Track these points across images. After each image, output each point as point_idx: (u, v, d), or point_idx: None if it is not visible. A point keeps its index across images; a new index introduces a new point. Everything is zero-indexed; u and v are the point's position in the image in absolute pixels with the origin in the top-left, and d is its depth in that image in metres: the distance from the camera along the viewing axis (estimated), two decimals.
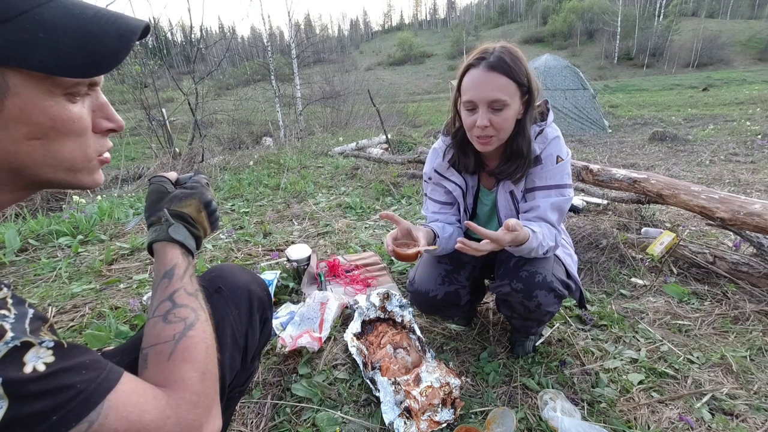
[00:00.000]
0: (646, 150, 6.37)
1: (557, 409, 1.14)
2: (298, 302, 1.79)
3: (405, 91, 28.87)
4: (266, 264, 2.17)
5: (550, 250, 1.18)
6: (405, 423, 1.11)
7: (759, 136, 6.50)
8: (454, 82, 1.17)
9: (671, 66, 42.40)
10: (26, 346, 0.40)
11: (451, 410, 1.17)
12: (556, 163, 1.18)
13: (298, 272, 2.00)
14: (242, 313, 0.80)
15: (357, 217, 3.09)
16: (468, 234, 1.39)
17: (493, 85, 1.05)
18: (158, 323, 0.57)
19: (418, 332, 1.47)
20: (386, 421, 1.13)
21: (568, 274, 1.27)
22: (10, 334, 0.39)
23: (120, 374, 0.48)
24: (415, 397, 1.16)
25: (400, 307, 1.55)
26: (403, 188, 3.76)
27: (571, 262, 1.33)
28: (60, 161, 0.49)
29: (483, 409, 1.22)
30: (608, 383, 1.32)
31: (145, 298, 1.75)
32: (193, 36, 8.40)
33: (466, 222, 1.04)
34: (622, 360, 1.43)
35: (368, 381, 1.27)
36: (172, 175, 0.77)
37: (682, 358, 1.43)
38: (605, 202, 2.85)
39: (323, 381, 1.33)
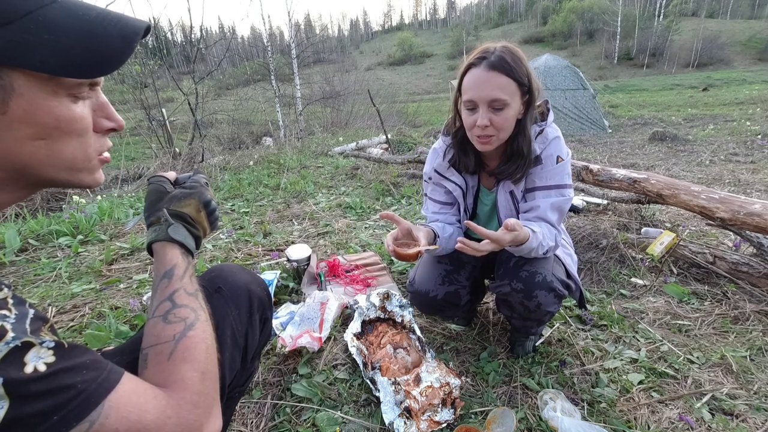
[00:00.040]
0: (646, 150, 6.37)
1: (557, 409, 1.14)
2: (298, 302, 1.79)
3: (405, 91, 28.88)
4: (266, 264, 2.17)
5: (550, 250, 1.18)
6: (405, 423, 1.11)
7: (759, 136, 6.50)
8: (455, 82, 1.17)
9: (671, 66, 42.40)
10: (27, 346, 0.40)
11: (451, 410, 1.17)
12: (557, 163, 1.18)
13: (298, 272, 2.00)
14: (242, 313, 0.80)
15: (357, 217, 3.09)
16: (468, 234, 1.39)
17: (493, 85, 1.05)
18: (158, 323, 0.57)
19: (418, 332, 1.47)
20: (386, 421, 1.13)
21: (568, 274, 1.27)
22: (11, 335, 0.39)
23: (120, 374, 0.48)
24: (415, 397, 1.16)
25: (400, 307, 1.55)
26: (403, 188, 3.76)
27: (571, 262, 1.33)
28: (62, 161, 0.49)
29: (483, 409, 1.22)
30: (608, 383, 1.32)
31: (145, 298, 1.75)
32: (193, 36, 8.41)
33: (466, 222, 1.04)
34: (622, 360, 1.43)
35: (368, 381, 1.27)
36: (171, 174, 0.77)
37: (682, 358, 1.43)
38: (605, 202, 2.85)
39: (323, 381, 1.33)
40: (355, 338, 1.43)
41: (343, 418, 1.19)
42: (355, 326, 1.48)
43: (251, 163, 5.28)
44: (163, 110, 7.19)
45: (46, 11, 0.43)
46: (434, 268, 1.38)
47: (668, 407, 1.23)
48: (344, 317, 1.68)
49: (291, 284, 1.93)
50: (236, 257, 2.31)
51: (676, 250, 2.09)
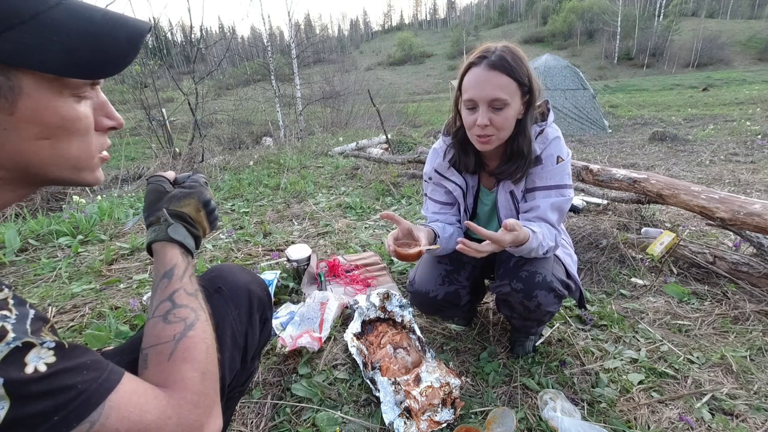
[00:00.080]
0: (646, 150, 6.37)
1: (557, 409, 1.14)
2: (298, 302, 1.79)
3: (405, 91, 28.88)
4: (266, 264, 2.17)
5: (550, 251, 1.18)
6: (405, 423, 1.11)
7: (759, 136, 6.51)
8: (455, 82, 1.17)
9: (671, 66, 42.41)
10: (28, 346, 0.40)
11: (451, 410, 1.17)
12: (557, 164, 1.18)
13: (298, 272, 2.00)
14: (242, 313, 0.80)
15: (357, 217, 3.09)
16: (468, 234, 1.39)
17: (494, 84, 1.05)
18: (158, 323, 0.57)
19: (418, 332, 1.47)
20: (386, 421, 1.13)
21: (568, 274, 1.27)
22: (11, 335, 0.39)
23: (121, 374, 0.48)
24: (415, 397, 1.16)
25: (400, 307, 1.55)
26: (403, 188, 3.76)
27: (571, 262, 1.33)
28: (66, 160, 0.50)
29: (483, 409, 1.22)
30: (608, 383, 1.32)
31: (145, 298, 1.76)
32: (193, 36, 8.40)
33: (466, 222, 1.04)
34: (622, 360, 1.43)
35: (368, 381, 1.27)
36: (171, 174, 0.77)
37: (682, 358, 1.43)
38: (605, 202, 2.85)
39: (323, 381, 1.33)
40: (355, 338, 1.43)
41: (343, 418, 1.19)
42: (355, 326, 1.48)
43: (251, 163, 5.28)
44: (163, 110, 7.19)
45: (53, 13, 0.43)
46: (434, 268, 1.38)
47: (668, 407, 1.23)
48: (344, 317, 1.68)
49: (291, 284, 1.93)
50: (236, 257, 2.31)
51: (676, 250, 2.09)
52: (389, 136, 6.41)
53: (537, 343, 1.49)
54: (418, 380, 1.22)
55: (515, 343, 1.45)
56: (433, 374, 1.24)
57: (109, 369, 0.47)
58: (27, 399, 0.39)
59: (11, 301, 0.42)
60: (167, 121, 7.02)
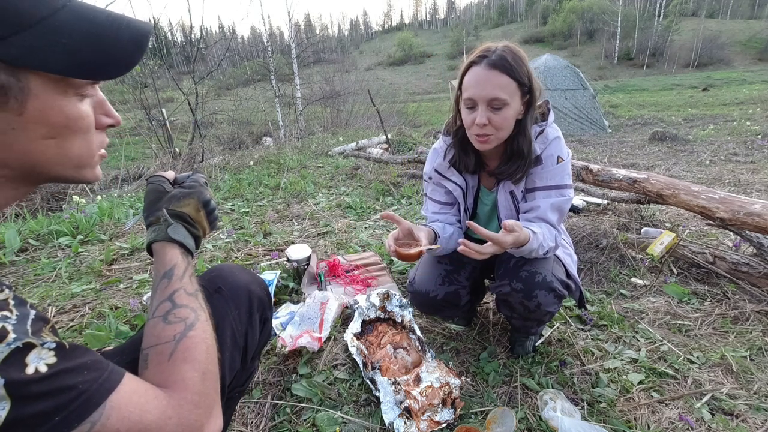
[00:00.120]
0: (646, 150, 6.37)
1: (557, 409, 1.14)
2: (298, 302, 1.79)
3: (405, 91, 28.88)
4: (266, 264, 2.17)
5: (550, 251, 1.18)
6: (405, 423, 1.11)
7: (759, 136, 6.51)
8: (455, 82, 1.17)
9: (671, 66, 42.40)
10: (28, 347, 0.40)
11: (451, 410, 1.17)
12: (557, 164, 1.18)
13: (298, 272, 2.00)
14: (242, 313, 0.80)
15: (357, 217, 3.09)
16: (468, 234, 1.39)
17: (493, 84, 1.05)
18: (158, 324, 0.57)
19: (418, 332, 1.47)
20: (386, 421, 1.13)
21: (568, 274, 1.27)
22: (12, 336, 0.39)
23: (121, 375, 0.48)
24: (415, 397, 1.16)
25: (400, 307, 1.55)
26: (403, 188, 3.76)
27: (571, 262, 1.33)
28: (70, 158, 0.50)
29: (483, 409, 1.22)
30: (608, 383, 1.32)
31: (145, 298, 1.76)
32: (193, 36, 8.40)
33: (467, 222, 1.03)
34: (622, 360, 1.43)
35: (368, 381, 1.27)
36: (170, 174, 0.77)
37: (682, 358, 1.43)
38: (605, 202, 2.85)
39: (323, 381, 1.33)
40: (355, 338, 1.43)
41: (343, 418, 1.19)
42: (355, 326, 1.48)
43: (251, 163, 5.28)
44: (163, 110, 7.19)
45: (60, 15, 0.44)
46: (434, 268, 1.38)
47: (668, 407, 1.23)
48: (344, 317, 1.68)
49: (291, 284, 1.93)
50: (236, 257, 2.31)
51: (676, 250, 2.09)
52: (389, 136, 6.42)
53: (537, 343, 1.49)
54: (418, 380, 1.22)
55: (515, 343, 1.45)
56: (433, 374, 1.25)
57: (109, 369, 0.47)
58: (28, 399, 0.39)
59: (12, 302, 0.42)
60: (167, 121, 7.02)
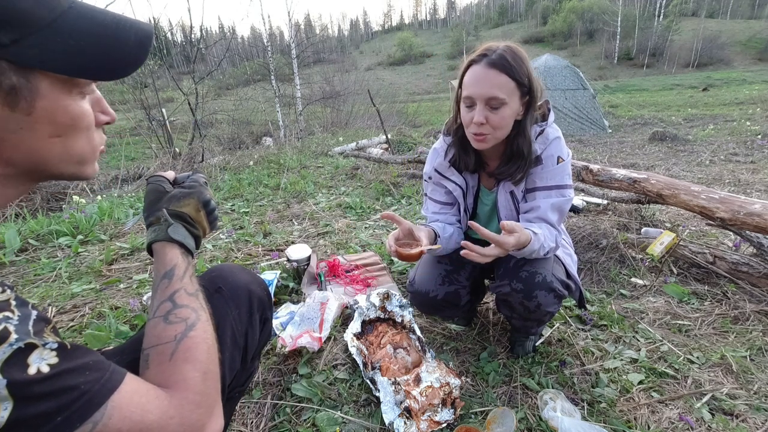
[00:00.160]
0: (646, 150, 6.37)
1: (557, 409, 1.14)
2: (298, 302, 1.79)
3: (405, 91, 28.88)
4: (266, 264, 2.17)
5: (550, 251, 1.18)
6: (405, 423, 1.12)
7: (759, 136, 6.51)
8: (455, 82, 1.17)
9: (671, 66, 42.40)
10: (30, 347, 0.40)
11: (451, 410, 1.17)
12: (557, 164, 1.18)
13: (298, 272, 2.00)
14: (242, 313, 0.80)
15: (357, 217, 3.09)
16: (468, 234, 1.40)
17: (492, 83, 1.05)
18: (159, 324, 0.57)
19: (418, 332, 1.47)
20: (386, 421, 1.13)
21: (568, 274, 1.27)
22: (14, 336, 0.39)
23: (123, 375, 0.48)
24: (415, 397, 1.16)
25: (400, 307, 1.55)
26: (403, 188, 3.76)
27: (571, 262, 1.33)
28: (73, 156, 0.51)
29: (483, 409, 1.22)
30: (608, 383, 1.32)
31: (145, 298, 1.76)
32: (193, 36, 8.41)
33: (469, 222, 1.03)
34: (622, 360, 1.43)
35: (368, 381, 1.27)
36: (170, 174, 0.78)
37: (682, 358, 1.44)
38: (605, 202, 2.85)
39: (323, 381, 1.33)
40: (355, 338, 1.43)
41: (343, 418, 1.19)
42: (355, 326, 1.48)
43: (251, 163, 5.28)
44: (163, 110, 7.19)
45: (67, 17, 0.45)
46: (434, 268, 1.38)
47: (668, 407, 1.23)
48: (344, 317, 1.68)
49: (291, 284, 1.93)
50: (236, 257, 2.31)
51: (676, 250, 2.09)
52: (389, 136, 6.42)
53: (537, 343, 1.49)
54: (418, 380, 1.23)
55: (515, 343, 1.45)
56: (433, 374, 1.25)
57: (111, 369, 0.47)
58: (30, 400, 0.39)
59: (14, 303, 0.42)
60: (167, 121, 7.03)
